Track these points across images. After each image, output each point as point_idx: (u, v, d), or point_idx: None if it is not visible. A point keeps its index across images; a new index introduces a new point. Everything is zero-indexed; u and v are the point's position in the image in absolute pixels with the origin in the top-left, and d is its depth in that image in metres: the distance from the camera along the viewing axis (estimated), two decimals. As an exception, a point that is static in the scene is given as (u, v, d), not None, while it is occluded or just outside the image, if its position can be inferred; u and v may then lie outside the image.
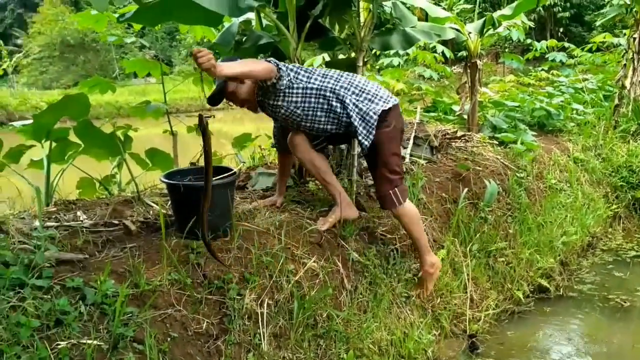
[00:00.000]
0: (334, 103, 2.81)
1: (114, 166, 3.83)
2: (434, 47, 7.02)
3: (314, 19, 3.44)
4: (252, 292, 2.40)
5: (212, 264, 2.40)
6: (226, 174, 2.58)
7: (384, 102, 2.87)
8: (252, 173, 3.91)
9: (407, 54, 7.65)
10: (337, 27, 3.74)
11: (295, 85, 2.78)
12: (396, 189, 2.90)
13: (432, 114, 6.05)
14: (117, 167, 3.82)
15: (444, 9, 6.28)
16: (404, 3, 3.92)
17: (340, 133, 2.95)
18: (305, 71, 2.86)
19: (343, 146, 3.77)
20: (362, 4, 3.68)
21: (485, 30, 4.64)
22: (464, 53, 5.81)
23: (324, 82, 2.82)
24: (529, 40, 8.51)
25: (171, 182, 2.53)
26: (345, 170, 3.61)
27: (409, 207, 3.01)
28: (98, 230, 2.55)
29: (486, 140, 4.87)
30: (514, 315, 3.67)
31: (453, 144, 4.69)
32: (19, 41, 30.09)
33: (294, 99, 2.80)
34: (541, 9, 20.43)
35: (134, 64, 4.04)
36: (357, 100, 2.82)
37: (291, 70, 2.79)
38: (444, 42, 6.41)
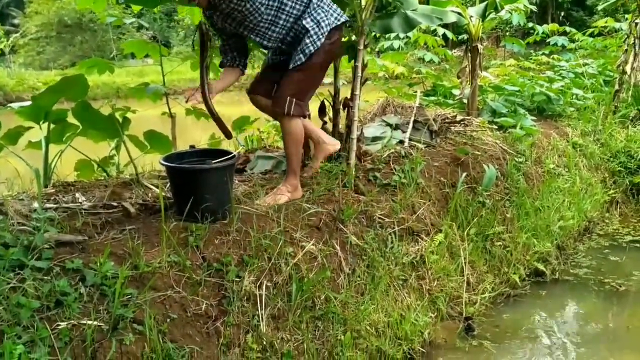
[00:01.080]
0: (297, 6, 2.83)
1: (112, 148, 3.82)
2: (435, 29, 6.96)
3: (315, 1, 3.41)
4: (250, 275, 2.42)
5: (211, 246, 2.42)
6: (225, 157, 2.57)
7: (337, 15, 2.95)
8: (251, 156, 3.90)
9: (408, 37, 7.59)
10: (337, 9, 3.70)
11: None
12: (295, 99, 2.88)
13: (432, 98, 6.03)
14: (115, 149, 3.81)
15: (445, -9, 6.23)
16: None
17: (282, 50, 2.98)
18: None
19: (342, 130, 3.77)
20: (363, -14, 3.63)
21: (487, 13, 4.61)
22: (464, 36, 5.75)
23: None
24: (530, 24, 8.43)
25: (171, 164, 2.53)
26: (345, 153, 3.61)
27: (297, 125, 2.96)
28: (97, 212, 2.56)
29: (485, 125, 4.86)
30: (510, 298, 3.71)
31: (452, 128, 4.68)
32: (15, 21, 29.73)
33: None
34: (543, -8, 20.25)
35: (132, 45, 4.01)
36: (318, 6, 2.88)
37: None
38: (445, 25, 6.35)
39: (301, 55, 2.86)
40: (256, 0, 2.73)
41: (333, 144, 3.33)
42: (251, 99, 3.21)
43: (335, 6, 3.00)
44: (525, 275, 3.93)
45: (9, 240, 2.01)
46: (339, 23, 2.94)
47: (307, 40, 2.85)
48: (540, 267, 4.00)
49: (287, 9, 2.83)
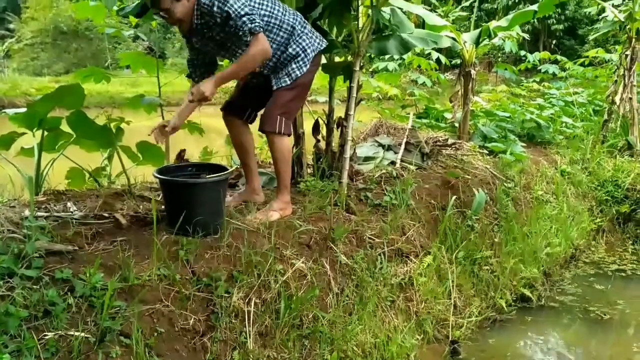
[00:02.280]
0: (281, 33, 2.88)
1: (104, 158, 3.81)
2: (429, 53, 7.07)
3: (313, 21, 3.47)
4: (240, 291, 2.42)
5: (201, 260, 2.42)
6: (220, 172, 2.59)
7: (320, 41, 3.03)
8: (243, 171, 3.92)
9: (402, 59, 7.69)
10: (335, 30, 3.76)
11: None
12: (283, 117, 2.92)
13: (425, 121, 6.09)
14: (107, 159, 3.81)
15: (440, 15, 6.34)
16: (401, 9, 3.95)
17: (262, 74, 2.99)
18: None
19: (335, 149, 3.80)
20: (361, 9, 3.70)
21: (481, 40, 4.69)
22: (457, 61, 5.84)
23: (274, 9, 2.86)
24: (522, 52, 8.58)
25: (164, 177, 2.54)
26: (337, 173, 3.64)
27: (286, 143, 3.01)
28: (88, 222, 2.56)
29: (476, 149, 4.92)
30: (496, 323, 3.72)
31: (444, 151, 4.73)
32: (11, 26, 29.67)
33: None
34: (536, 20, 20.61)
35: (129, 58, 4.04)
36: (302, 32, 2.95)
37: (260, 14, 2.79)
38: (439, 49, 6.45)
39: (287, 79, 2.93)
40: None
41: (260, 197, 3.26)
42: (224, 117, 3.19)
43: (315, 32, 3.08)
44: (512, 301, 3.96)
45: (-1, 247, 2.00)
46: (321, 48, 3.04)
47: (294, 65, 2.93)
48: (527, 292, 4.02)
49: (272, 36, 2.87)
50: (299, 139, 3.71)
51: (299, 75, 2.94)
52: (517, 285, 4.03)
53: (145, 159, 3.66)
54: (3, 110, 3.42)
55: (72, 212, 2.63)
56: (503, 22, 4.97)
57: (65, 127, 3.37)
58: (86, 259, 2.20)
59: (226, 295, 2.36)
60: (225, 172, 2.62)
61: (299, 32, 2.93)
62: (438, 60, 7.46)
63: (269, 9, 2.84)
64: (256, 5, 2.80)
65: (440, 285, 3.51)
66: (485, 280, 3.86)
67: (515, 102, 7.08)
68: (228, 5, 2.63)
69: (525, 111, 6.16)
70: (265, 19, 2.82)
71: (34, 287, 1.92)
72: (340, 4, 3.42)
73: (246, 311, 2.39)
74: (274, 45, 2.89)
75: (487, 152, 4.99)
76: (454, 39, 4.82)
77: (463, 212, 4.00)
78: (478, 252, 3.87)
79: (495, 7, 25.73)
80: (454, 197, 3.85)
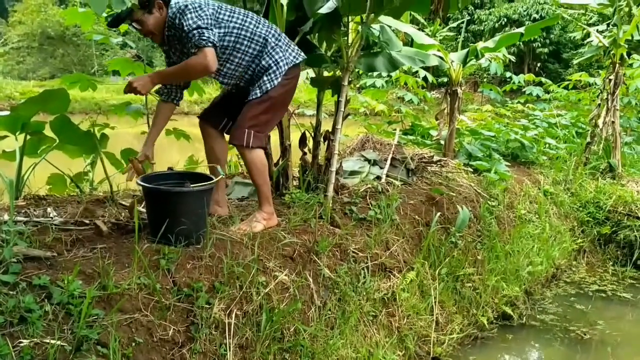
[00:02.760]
0: (253, 45, 2.88)
1: (87, 164, 3.77)
2: (417, 71, 7.14)
3: (303, 35, 3.49)
4: (221, 302, 2.39)
5: (182, 270, 2.39)
6: (204, 182, 2.57)
7: (296, 55, 3.00)
8: (228, 181, 3.90)
9: (390, 76, 7.76)
10: (324, 45, 3.78)
11: (222, 26, 2.80)
12: (253, 130, 2.90)
13: (410, 137, 6.13)
14: (90, 165, 3.77)
15: (427, 34, 6.41)
16: (390, 27, 4.00)
17: (240, 85, 2.99)
18: (227, 10, 2.86)
19: (321, 162, 3.81)
20: (351, 25, 3.73)
21: (468, 60, 4.76)
22: (444, 79, 5.92)
23: (245, 21, 2.87)
24: (507, 73, 8.71)
25: (148, 185, 2.51)
26: (322, 186, 3.63)
27: (258, 155, 2.97)
28: (68, 229, 2.52)
29: (461, 167, 4.96)
30: (477, 340, 3.72)
31: (429, 168, 4.76)
32: (-2, 29, 29.49)
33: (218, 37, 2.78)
34: (521, 43, 20.99)
35: (117, 63, 4.02)
36: (276, 45, 2.92)
37: (218, 26, 2.78)
38: (427, 67, 6.53)
39: (257, 91, 2.90)
40: None
41: (223, 210, 3.19)
42: (200, 124, 3.17)
43: (293, 45, 3.06)
44: (494, 318, 3.97)
45: (-26, 251, 1.95)
46: (297, 62, 3.00)
47: (265, 78, 2.90)
48: (508, 310, 4.03)
49: (243, 48, 2.88)
50: (285, 151, 3.71)
51: (269, 88, 2.90)
52: (499, 303, 4.04)
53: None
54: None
55: (52, 217, 2.59)
56: (490, 43, 5.05)
57: (48, 131, 3.33)
58: (65, 265, 2.15)
59: (207, 306, 2.33)
60: (210, 182, 2.59)
61: (273, 44, 2.92)
62: (425, 78, 7.55)
63: (239, 21, 2.85)
64: (225, 18, 2.81)
65: (422, 301, 3.50)
66: (468, 297, 3.86)
67: (500, 122, 7.17)
68: (185, 18, 2.65)
69: (509, 131, 6.24)
70: (236, 31, 2.83)
71: (11, 292, 1.87)
72: (330, 19, 3.44)
73: (227, 323, 2.36)
74: (247, 58, 2.89)
75: (471, 170, 5.02)
76: (441, 58, 4.88)
77: (447, 229, 4.01)
78: (461, 269, 3.88)
79: (482, 28, 26.20)
80: (438, 214, 3.86)
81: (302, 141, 3.93)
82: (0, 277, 1.87)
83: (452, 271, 3.82)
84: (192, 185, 2.50)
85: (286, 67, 2.93)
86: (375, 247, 3.37)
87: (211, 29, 2.68)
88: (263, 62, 2.90)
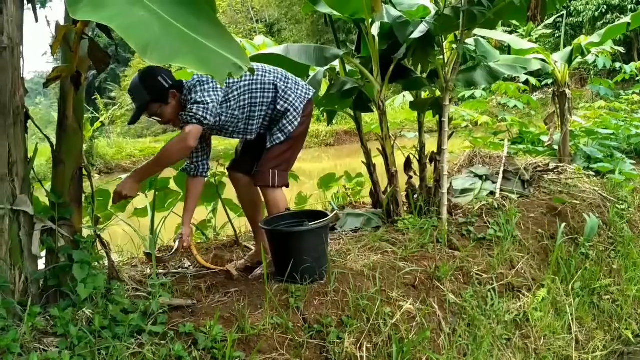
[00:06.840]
0: (266, 94, 2.86)
1: (209, 211, 4.03)
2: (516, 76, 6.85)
3: (397, 61, 3.51)
4: (351, 336, 2.42)
5: (311, 307, 2.45)
6: (322, 218, 2.64)
7: (307, 91, 2.97)
8: (340, 214, 3.96)
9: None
10: (419, 67, 3.78)
11: (230, 96, 2.80)
12: (277, 170, 2.84)
13: (521, 146, 5.86)
14: (212, 212, 4.02)
15: (521, 35, 6.16)
16: (484, 37, 3.90)
17: (261, 133, 2.97)
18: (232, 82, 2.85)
19: (429, 184, 3.76)
20: (445, 44, 3.70)
21: (573, 58, 4.51)
22: (548, 80, 5.63)
23: (253, 75, 2.85)
24: (617, 64, 8.10)
25: (272, 228, 2.63)
26: (434, 208, 3.59)
27: (281, 195, 2.90)
28: (203, 276, 2.69)
29: (581, 172, 4.67)
30: (624, 356, 3.46)
31: (545, 176, 4.53)
32: (112, 94, 32.53)
33: (231, 104, 2.81)
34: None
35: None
36: (286, 87, 2.89)
37: (228, 97, 2.81)
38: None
39: (280, 135, 2.89)
40: (229, 110, 2.82)
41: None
42: (230, 175, 3.16)
43: (299, 80, 3.02)
44: (639, 331, 3.64)
45: (127, 306, 2.15)
46: (310, 97, 2.98)
47: (285, 122, 2.88)
48: (656, 322, 3.69)
49: (259, 100, 2.88)
50: (392, 178, 3.71)
51: (292, 130, 2.89)
52: (644, 315, 3.71)
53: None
54: (119, 177, 3.72)
55: (187, 267, 2.79)
56: (595, 37, 4.76)
57: (173, 186, 3.62)
58: (204, 311, 2.30)
59: (338, 341, 2.37)
60: (327, 218, 2.67)
61: (283, 88, 2.89)
62: (526, 82, 7.22)
63: (248, 77, 2.84)
64: (235, 81, 2.81)
65: (558, 320, 3.30)
66: (607, 310, 3.59)
67: (617, 117, 6.66)
68: (194, 91, 2.72)
69: (629, 126, 5.80)
70: (248, 87, 2.84)
71: (161, 342, 2.03)
72: (424, 42, 3.44)
73: (359, 356, 2.38)
74: (264, 107, 2.90)
75: (593, 173, 4.72)
76: (543, 60, 4.67)
77: (575, 240, 3.78)
78: (596, 281, 3.62)
79: (581, 20, 24.64)
80: (563, 225, 3.66)
81: (408, 165, 3.92)
82: (151, 329, 2.04)
83: (586, 285, 3.58)
84: (310, 224, 2.59)
85: (302, 106, 2.91)
86: (500, 267, 3.24)
87: (209, 107, 2.68)
88: (278, 107, 2.88)
